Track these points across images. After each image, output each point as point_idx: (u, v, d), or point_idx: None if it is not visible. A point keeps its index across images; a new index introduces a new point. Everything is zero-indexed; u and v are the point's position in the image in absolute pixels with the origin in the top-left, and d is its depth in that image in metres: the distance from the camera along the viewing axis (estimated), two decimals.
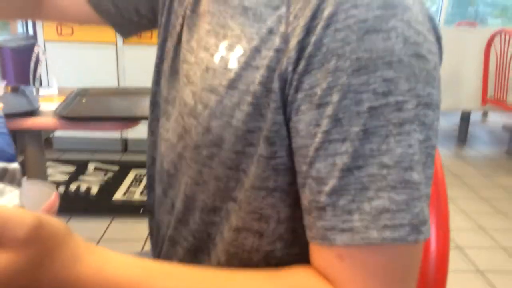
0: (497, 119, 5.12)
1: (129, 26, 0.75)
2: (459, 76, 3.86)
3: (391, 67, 0.41)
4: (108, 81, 3.19)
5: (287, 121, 0.46)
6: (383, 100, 0.41)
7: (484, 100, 3.82)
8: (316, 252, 0.46)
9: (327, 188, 0.43)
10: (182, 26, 0.60)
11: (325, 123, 0.43)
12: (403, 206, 0.42)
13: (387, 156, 0.42)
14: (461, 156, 3.91)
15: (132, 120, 1.51)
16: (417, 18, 0.43)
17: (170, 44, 0.62)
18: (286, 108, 0.46)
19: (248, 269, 0.48)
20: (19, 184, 0.42)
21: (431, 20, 0.46)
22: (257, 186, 0.50)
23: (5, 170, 0.40)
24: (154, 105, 0.66)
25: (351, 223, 0.42)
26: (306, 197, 0.46)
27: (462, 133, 4.29)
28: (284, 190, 0.50)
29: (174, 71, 0.60)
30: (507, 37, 3.50)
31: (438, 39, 0.47)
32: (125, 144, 3.48)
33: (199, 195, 0.55)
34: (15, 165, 0.42)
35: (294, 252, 0.53)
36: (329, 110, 0.42)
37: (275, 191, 0.50)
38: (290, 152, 0.47)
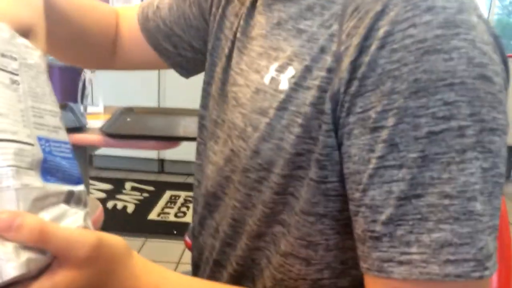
0: None
1: (187, 65, 0.75)
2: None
3: (453, 89, 0.38)
4: (149, 100, 3.26)
5: (339, 144, 0.44)
6: (444, 125, 0.38)
7: None
8: (371, 284, 0.44)
9: (383, 217, 0.40)
10: (231, 49, 0.59)
11: (380, 148, 0.40)
12: (467, 240, 0.39)
13: (449, 185, 0.39)
14: (504, 192, 3.77)
15: (174, 140, 1.53)
16: (482, 38, 0.40)
17: (219, 68, 0.62)
18: (337, 131, 0.44)
19: None
20: (85, 206, 0.42)
21: (497, 40, 0.43)
22: (306, 211, 0.48)
23: (71, 193, 0.41)
24: (202, 128, 0.66)
25: (410, 255, 0.40)
26: (359, 226, 0.43)
27: (507, 169, 4.14)
28: (334, 217, 0.48)
29: (224, 94, 0.59)
30: None
31: (505, 60, 0.43)
32: (161, 165, 3.52)
33: (247, 219, 0.54)
34: (81, 188, 0.43)
35: (343, 283, 0.51)
36: (384, 134, 0.40)
37: (325, 217, 0.48)
38: (342, 178, 0.45)
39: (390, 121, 0.39)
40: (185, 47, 0.72)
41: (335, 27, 0.45)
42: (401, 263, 0.40)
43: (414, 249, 0.40)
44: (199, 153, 0.67)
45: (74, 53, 0.75)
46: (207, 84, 0.65)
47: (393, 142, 0.40)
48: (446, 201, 0.39)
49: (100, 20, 0.73)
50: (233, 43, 0.59)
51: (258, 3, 0.57)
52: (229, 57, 0.59)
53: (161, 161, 3.51)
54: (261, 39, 0.53)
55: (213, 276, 0.61)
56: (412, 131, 0.39)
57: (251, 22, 0.57)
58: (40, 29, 0.49)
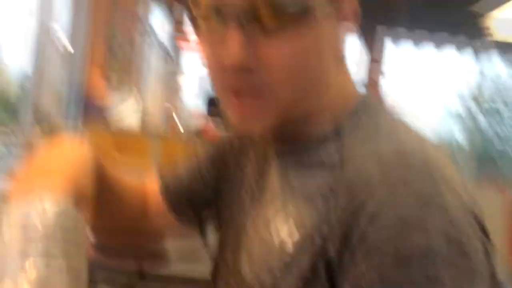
0: None
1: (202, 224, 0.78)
2: None
3: (435, 265, 0.42)
4: None
5: None
6: None
7: None
8: None
9: None
10: (249, 206, 0.64)
11: None
12: None
13: None
14: None
15: None
16: (458, 216, 0.44)
17: (237, 219, 0.65)
18: None
19: None
20: None
21: (474, 214, 0.47)
22: None
23: None
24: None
25: None
26: None
27: None
28: None
29: (240, 245, 0.62)
30: None
31: (484, 230, 0.47)
32: None
33: None
34: None
35: None
36: None
37: None
38: None
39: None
40: (203, 205, 0.75)
41: (331, 201, 0.49)
42: None
43: None
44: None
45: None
46: (223, 236, 0.69)
47: None
48: None
49: (134, 199, 0.75)
50: (251, 202, 0.63)
51: (271, 167, 0.61)
52: (245, 216, 0.63)
53: None
54: (276, 200, 0.58)
55: None
56: None
57: (266, 182, 0.61)
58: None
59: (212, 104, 3.38)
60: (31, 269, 0.42)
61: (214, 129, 3.16)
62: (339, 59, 0.56)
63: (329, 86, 0.54)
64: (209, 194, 0.72)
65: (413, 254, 0.42)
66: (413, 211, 0.43)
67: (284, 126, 0.54)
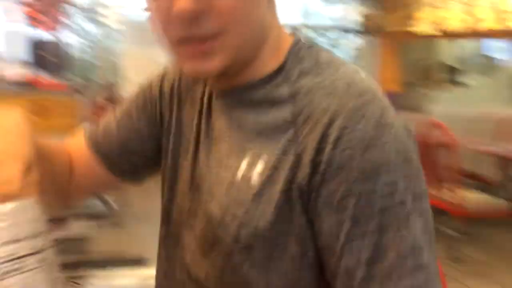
0: None
1: (141, 175, 0.79)
2: None
3: (390, 173, 0.52)
4: None
5: (311, 222, 0.55)
6: (390, 201, 0.51)
7: None
8: None
9: (357, 279, 0.51)
10: (195, 151, 0.67)
11: (346, 225, 0.52)
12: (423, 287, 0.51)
13: (402, 245, 0.51)
14: None
15: None
16: (402, 133, 0.55)
17: (185, 168, 0.68)
18: (308, 212, 0.55)
19: None
20: None
21: (408, 129, 0.57)
22: (288, 284, 0.57)
23: None
24: (167, 222, 0.71)
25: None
26: (337, 286, 0.54)
27: None
28: (311, 284, 0.57)
29: (193, 189, 0.66)
30: None
31: (414, 141, 0.57)
32: None
33: None
34: None
35: None
36: (347, 213, 0.52)
37: (305, 285, 0.57)
38: (318, 250, 0.56)
39: (350, 203, 0.51)
40: (141, 161, 0.76)
41: (290, 132, 0.56)
42: None
43: None
44: (165, 246, 0.71)
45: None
46: (171, 181, 0.70)
47: (355, 219, 0.51)
48: (402, 260, 0.50)
49: (63, 161, 0.76)
50: (196, 144, 0.67)
51: (214, 108, 0.65)
52: (195, 158, 0.66)
53: None
54: (226, 140, 0.62)
55: None
56: (368, 208, 0.51)
57: (211, 126, 0.65)
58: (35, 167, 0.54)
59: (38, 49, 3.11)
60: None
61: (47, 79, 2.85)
62: (272, 4, 0.61)
63: (267, 28, 0.60)
64: (144, 143, 0.74)
65: (373, 167, 0.51)
66: (369, 132, 0.52)
67: (231, 67, 0.58)
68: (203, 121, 0.67)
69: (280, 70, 0.60)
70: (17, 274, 0.44)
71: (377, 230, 0.51)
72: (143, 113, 0.74)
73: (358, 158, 0.51)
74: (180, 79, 0.72)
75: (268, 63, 0.61)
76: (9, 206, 0.46)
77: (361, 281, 0.51)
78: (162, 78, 0.74)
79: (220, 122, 0.64)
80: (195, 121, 0.68)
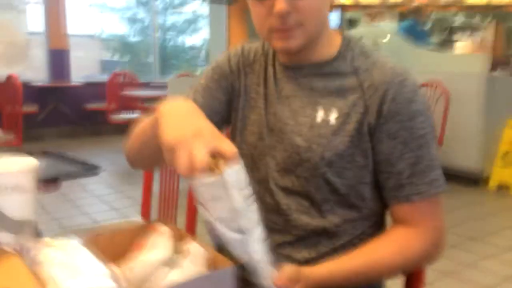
0: None
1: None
2: None
3: (422, 116, 0.88)
4: None
5: (373, 147, 0.88)
6: (422, 131, 0.87)
7: None
8: (400, 209, 0.89)
9: (405, 176, 0.87)
10: (266, 106, 0.96)
11: (399, 147, 0.87)
12: (440, 177, 0.88)
13: (429, 156, 0.88)
14: None
15: None
16: (422, 94, 0.89)
17: (253, 117, 0.98)
18: (372, 140, 0.88)
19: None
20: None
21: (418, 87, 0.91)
22: (356, 183, 0.90)
23: None
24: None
25: (419, 189, 0.87)
26: (391, 182, 0.88)
27: None
28: (369, 184, 0.91)
29: (269, 130, 0.95)
30: None
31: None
32: None
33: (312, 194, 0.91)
34: None
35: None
36: (399, 140, 0.87)
37: (366, 184, 0.91)
38: (375, 163, 0.89)
39: (401, 135, 0.86)
40: (219, 119, 1.01)
41: (357, 93, 0.89)
42: (417, 193, 0.87)
43: (421, 187, 0.87)
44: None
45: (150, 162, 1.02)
46: (241, 129, 0.99)
47: (405, 143, 0.87)
48: (430, 163, 0.87)
49: None
50: (266, 102, 0.96)
51: (279, 77, 0.96)
52: (266, 111, 0.96)
53: None
54: (298, 98, 0.93)
55: None
56: (412, 138, 0.87)
57: (279, 88, 0.95)
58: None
59: None
60: (253, 205, 0.69)
61: None
62: (330, 7, 0.91)
63: (327, 23, 0.92)
64: (221, 105, 1.01)
65: (415, 112, 0.87)
66: (412, 94, 0.87)
67: (305, 46, 0.88)
68: (271, 86, 0.96)
69: (338, 54, 0.92)
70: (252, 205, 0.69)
71: (417, 148, 0.86)
72: (219, 85, 1.01)
73: (407, 109, 0.86)
74: (241, 57, 1.02)
75: (328, 49, 0.93)
76: (237, 166, 0.66)
77: (408, 177, 0.86)
78: (229, 58, 1.03)
79: (289, 86, 0.94)
80: (261, 87, 0.98)
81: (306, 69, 0.93)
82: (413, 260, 0.88)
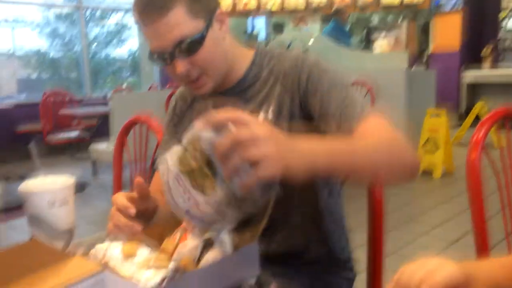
0: None
1: None
2: None
3: (330, 71, 1.03)
4: None
5: (310, 115, 1.02)
6: (336, 79, 1.02)
7: None
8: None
9: (337, 114, 0.97)
10: None
11: (324, 97, 0.99)
12: (366, 105, 0.99)
13: (351, 94, 1.00)
14: None
15: None
16: (322, 61, 1.07)
17: None
18: (307, 111, 1.03)
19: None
20: None
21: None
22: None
23: None
24: None
25: (354, 116, 0.96)
26: (333, 126, 0.97)
27: None
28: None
29: None
30: None
31: None
32: None
33: None
34: None
35: None
36: (321, 92, 1.00)
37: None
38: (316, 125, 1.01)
39: (321, 88, 1.00)
40: None
41: (279, 89, 1.06)
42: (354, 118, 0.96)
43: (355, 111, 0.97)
44: None
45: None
46: None
47: (328, 92, 0.99)
48: (354, 98, 0.99)
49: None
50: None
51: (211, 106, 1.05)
52: None
53: None
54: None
55: None
56: (330, 86, 1.00)
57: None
58: None
59: None
60: None
61: None
62: (228, 35, 1.05)
63: (229, 52, 1.06)
64: None
65: (323, 70, 1.03)
66: (315, 61, 1.04)
67: (217, 82, 1.05)
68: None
69: (252, 65, 1.08)
70: None
71: (338, 91, 0.99)
72: (174, 134, 1.17)
73: (322, 70, 1.02)
74: (180, 101, 1.19)
75: (243, 66, 1.08)
76: None
77: (340, 114, 0.97)
78: (175, 104, 1.20)
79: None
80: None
81: (231, 91, 1.08)
82: (390, 139, 0.93)
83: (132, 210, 0.85)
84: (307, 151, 0.74)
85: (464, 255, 0.74)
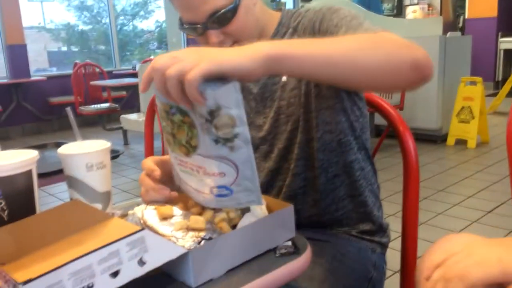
0: None
1: None
2: None
3: (344, 13, 0.99)
4: None
5: None
6: (353, 21, 0.97)
7: None
8: None
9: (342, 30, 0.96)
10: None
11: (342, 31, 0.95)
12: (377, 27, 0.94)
13: (365, 25, 0.95)
14: None
15: None
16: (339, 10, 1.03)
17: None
18: None
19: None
20: None
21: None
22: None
23: None
24: None
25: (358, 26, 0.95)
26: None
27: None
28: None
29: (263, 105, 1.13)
30: None
31: None
32: None
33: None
34: None
35: None
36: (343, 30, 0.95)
37: None
38: None
39: (335, 21, 0.97)
40: None
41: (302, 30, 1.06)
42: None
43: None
44: None
45: None
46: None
47: (339, 23, 0.96)
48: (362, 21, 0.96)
49: None
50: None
51: None
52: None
53: None
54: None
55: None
56: (343, 18, 0.97)
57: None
58: None
59: None
60: None
61: None
62: (259, 2, 1.05)
63: (260, 19, 1.05)
64: None
65: (343, 10, 1.00)
66: (330, 10, 1.02)
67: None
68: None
69: (278, 25, 1.08)
70: None
71: (358, 27, 0.94)
72: None
73: (336, 14, 0.99)
74: None
75: (269, 31, 1.08)
76: None
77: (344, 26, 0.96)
78: None
79: None
80: None
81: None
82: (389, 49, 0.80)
83: (157, 173, 0.84)
84: (245, 47, 0.69)
85: (499, 225, 0.71)
